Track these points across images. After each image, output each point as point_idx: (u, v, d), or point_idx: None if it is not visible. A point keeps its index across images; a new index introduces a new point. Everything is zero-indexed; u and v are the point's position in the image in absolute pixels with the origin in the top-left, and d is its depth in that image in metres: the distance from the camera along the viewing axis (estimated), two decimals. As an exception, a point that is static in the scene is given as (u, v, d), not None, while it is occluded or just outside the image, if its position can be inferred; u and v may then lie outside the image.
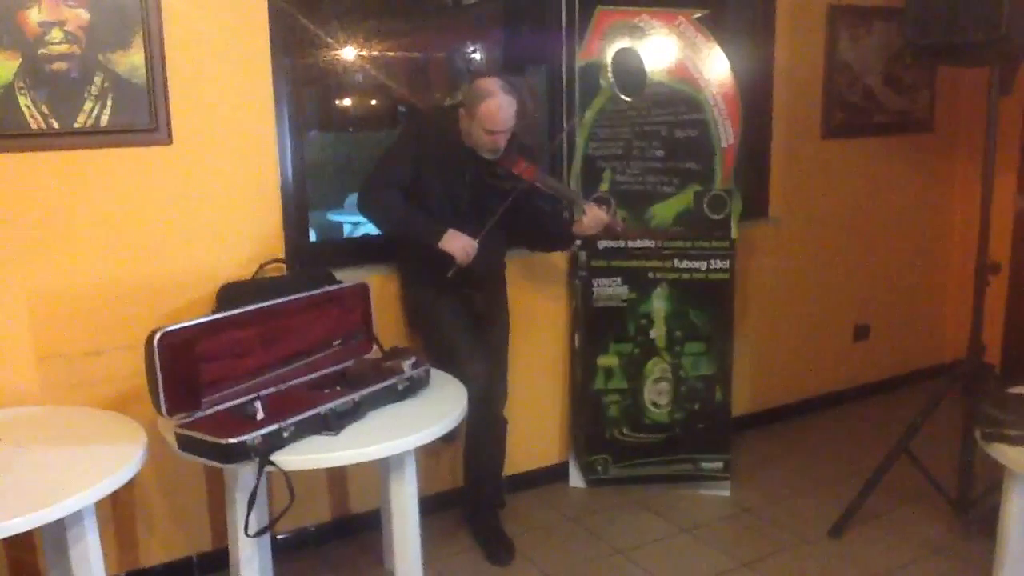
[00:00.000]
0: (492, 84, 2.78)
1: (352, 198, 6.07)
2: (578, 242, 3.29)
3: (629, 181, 3.34)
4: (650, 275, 3.38)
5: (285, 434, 2.17)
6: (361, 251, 3.23)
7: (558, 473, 3.56)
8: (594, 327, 3.41)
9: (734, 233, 3.35)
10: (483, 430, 3.01)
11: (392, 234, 3.02)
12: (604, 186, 3.33)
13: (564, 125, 3.30)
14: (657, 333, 3.41)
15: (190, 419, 2.24)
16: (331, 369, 2.62)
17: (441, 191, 2.88)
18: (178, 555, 2.89)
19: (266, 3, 2.75)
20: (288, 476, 2.13)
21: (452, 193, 2.89)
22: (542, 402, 3.51)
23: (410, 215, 2.86)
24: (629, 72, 3.27)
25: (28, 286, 2.53)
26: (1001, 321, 4.29)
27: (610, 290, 3.39)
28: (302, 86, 3.03)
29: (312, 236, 3.34)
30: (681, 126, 3.32)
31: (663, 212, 3.36)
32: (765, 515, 3.31)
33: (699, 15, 3.28)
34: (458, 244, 2.80)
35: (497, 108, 2.74)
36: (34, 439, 2.25)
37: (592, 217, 2.99)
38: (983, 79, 3.03)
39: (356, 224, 5.84)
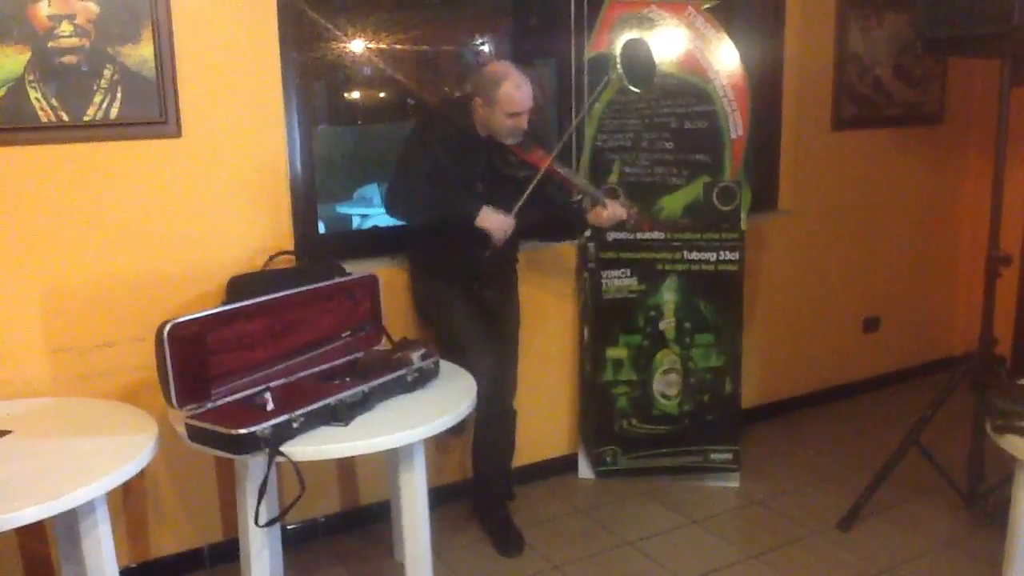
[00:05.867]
0: (504, 67, 2.79)
1: (361, 190, 6.12)
2: (587, 232, 3.30)
3: (638, 173, 3.34)
4: (659, 267, 3.37)
5: (295, 425, 2.18)
6: (370, 243, 3.24)
7: (567, 464, 3.57)
8: (603, 319, 3.41)
9: (743, 225, 3.34)
10: (492, 422, 3.02)
11: (427, 220, 2.88)
12: (613, 177, 3.32)
13: (573, 119, 3.28)
14: (666, 325, 3.41)
15: (200, 410, 2.25)
16: (341, 360, 2.62)
17: (455, 183, 2.86)
18: (189, 545, 2.91)
19: (275, -4, 2.76)
20: (298, 466, 2.14)
21: (467, 184, 2.88)
22: (551, 393, 3.51)
23: (443, 194, 2.81)
24: (638, 64, 3.26)
25: (39, 278, 2.54)
26: (1012, 313, 4.27)
27: (619, 282, 3.38)
28: (311, 79, 3.04)
29: (321, 228, 3.35)
30: (690, 117, 3.31)
31: (672, 204, 3.36)
32: (774, 507, 3.31)
33: (709, 6, 3.27)
34: (495, 220, 2.76)
35: (516, 88, 2.73)
36: (46, 430, 2.26)
37: (612, 212, 2.99)
38: (994, 71, 3.01)
39: (365, 216, 5.87)
